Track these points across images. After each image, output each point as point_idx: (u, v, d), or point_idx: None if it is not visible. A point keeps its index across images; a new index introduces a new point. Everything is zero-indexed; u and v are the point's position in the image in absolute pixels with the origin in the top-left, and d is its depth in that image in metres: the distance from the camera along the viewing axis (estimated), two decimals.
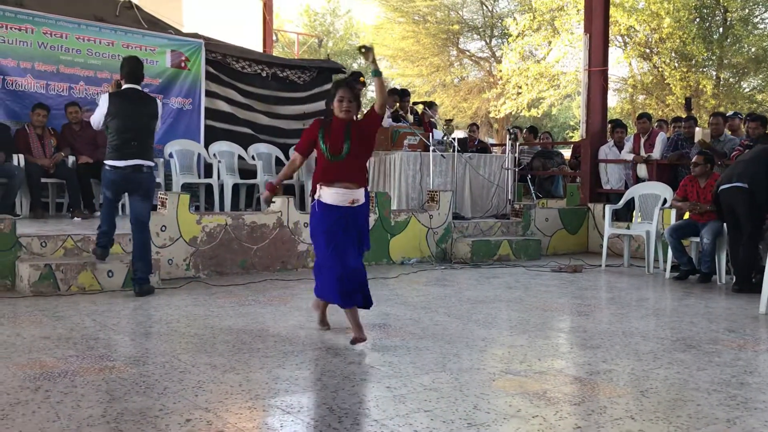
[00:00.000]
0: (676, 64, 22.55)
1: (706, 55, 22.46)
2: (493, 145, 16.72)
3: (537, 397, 3.69)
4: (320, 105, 11.33)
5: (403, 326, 5.33)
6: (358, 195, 4.76)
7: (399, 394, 3.71)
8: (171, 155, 9.61)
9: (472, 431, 3.18)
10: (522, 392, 3.76)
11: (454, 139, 10.17)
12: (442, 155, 9.84)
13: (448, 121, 11.02)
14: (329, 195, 4.70)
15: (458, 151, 10.02)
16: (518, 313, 5.99)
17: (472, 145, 11.81)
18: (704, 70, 23.17)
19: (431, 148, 9.72)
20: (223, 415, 3.32)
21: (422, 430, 3.16)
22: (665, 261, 8.18)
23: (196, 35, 10.61)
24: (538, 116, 26.72)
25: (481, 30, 29.30)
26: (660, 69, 22.65)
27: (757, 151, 7.21)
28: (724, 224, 7.38)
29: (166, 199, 7.21)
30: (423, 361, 4.36)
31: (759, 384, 4.03)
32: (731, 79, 24.28)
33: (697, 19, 22.47)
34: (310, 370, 4.10)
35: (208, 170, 10.03)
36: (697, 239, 7.82)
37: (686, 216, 8.06)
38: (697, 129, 9.59)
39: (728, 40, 22.91)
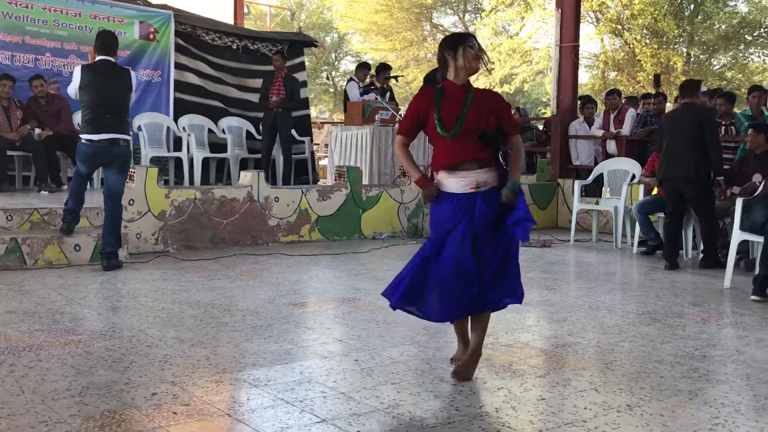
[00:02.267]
0: (647, 41, 22.67)
1: (676, 31, 22.59)
2: None
3: (503, 370, 3.73)
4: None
5: (373, 301, 5.34)
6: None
7: (367, 367, 3.72)
8: (139, 128, 9.50)
9: (438, 403, 3.21)
10: (488, 365, 3.79)
11: None
12: None
13: None
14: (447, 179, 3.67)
15: None
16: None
17: None
18: (675, 46, 23.31)
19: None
20: (190, 388, 3.32)
21: (388, 402, 3.19)
22: (633, 236, 8.26)
23: (165, 6, 10.45)
24: (511, 92, 26.75)
25: (454, 4, 29.22)
26: (631, 45, 22.76)
27: (686, 133, 7.08)
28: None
29: (134, 172, 7.13)
30: (391, 335, 4.38)
31: (721, 357, 4.10)
32: (701, 56, 24.46)
33: None
34: (278, 344, 4.10)
35: (177, 144, 9.93)
36: (663, 214, 7.90)
37: (654, 191, 8.13)
38: (667, 105, 9.66)
39: (699, 17, 23.05)
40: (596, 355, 4.08)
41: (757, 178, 7.01)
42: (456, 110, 3.61)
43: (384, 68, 11.19)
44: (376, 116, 10.10)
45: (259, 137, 10.40)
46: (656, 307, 5.33)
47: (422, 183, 3.71)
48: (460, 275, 3.51)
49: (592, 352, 4.13)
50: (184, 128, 9.95)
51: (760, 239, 5.89)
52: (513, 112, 13.81)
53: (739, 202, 6.23)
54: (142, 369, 3.59)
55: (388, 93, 10.99)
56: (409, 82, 27.06)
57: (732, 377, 3.72)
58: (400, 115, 9.83)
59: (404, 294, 3.61)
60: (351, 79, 11.18)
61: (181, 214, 7.39)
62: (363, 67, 11.47)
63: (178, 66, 10.29)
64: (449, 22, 30.79)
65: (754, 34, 22.85)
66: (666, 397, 3.37)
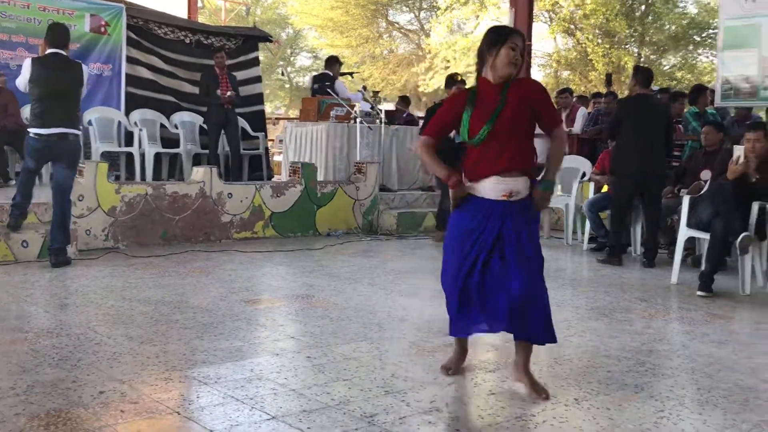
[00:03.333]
0: (599, 41, 22.99)
1: (628, 32, 22.96)
2: (421, 118, 16.76)
3: None
4: (247, 73, 11.15)
5: (326, 297, 5.34)
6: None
7: (318, 363, 3.72)
8: (90, 123, 9.34)
9: (389, 399, 3.22)
10: (439, 360, 3.82)
11: (380, 111, 10.17)
12: (369, 127, 9.83)
13: (376, 93, 11.01)
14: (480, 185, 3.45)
15: (385, 123, 10.03)
16: (440, 284, 6.05)
17: (400, 118, 11.81)
18: (626, 46, 23.68)
19: (358, 120, 9.70)
20: (138, 386, 3.28)
21: (339, 399, 3.19)
22: (583, 233, 8.38)
23: None
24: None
25: (410, 2, 29.27)
26: (583, 45, 23.06)
27: (652, 127, 7.19)
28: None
29: (84, 167, 7.01)
30: (344, 331, 4.38)
31: (667, 351, 4.19)
32: (652, 56, 24.89)
33: None
34: (229, 342, 4.07)
35: (129, 139, 9.78)
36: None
37: (604, 189, 8.25)
38: None
39: (650, 18, 23.45)
40: (545, 349, 4.10)
41: (705, 174, 7.15)
42: (487, 112, 3.34)
43: (335, 61, 11.18)
44: (332, 112, 10.08)
45: None
46: (605, 303, 5.41)
47: (453, 182, 3.42)
48: (496, 288, 3.37)
49: (542, 347, 4.17)
50: (135, 123, 9.81)
51: (706, 236, 6.02)
52: None
53: (686, 200, 6.37)
54: (90, 367, 3.53)
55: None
56: (364, 79, 27.05)
57: (677, 371, 3.80)
58: (356, 112, 9.83)
59: (462, 319, 3.48)
60: (335, 78, 11.09)
61: (132, 210, 7.28)
62: (336, 61, 11.44)
63: (130, 60, 10.14)
64: (405, 19, 30.90)
65: (703, 35, 23.31)
66: (613, 390, 3.43)
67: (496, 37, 3.37)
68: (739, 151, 6.00)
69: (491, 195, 3.38)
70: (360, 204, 9.01)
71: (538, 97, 3.43)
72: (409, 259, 7.29)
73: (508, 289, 3.31)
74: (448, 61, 24.06)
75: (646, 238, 7.36)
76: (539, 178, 3.47)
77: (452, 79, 8.16)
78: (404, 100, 13.32)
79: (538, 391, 3.30)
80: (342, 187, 8.91)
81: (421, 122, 10.04)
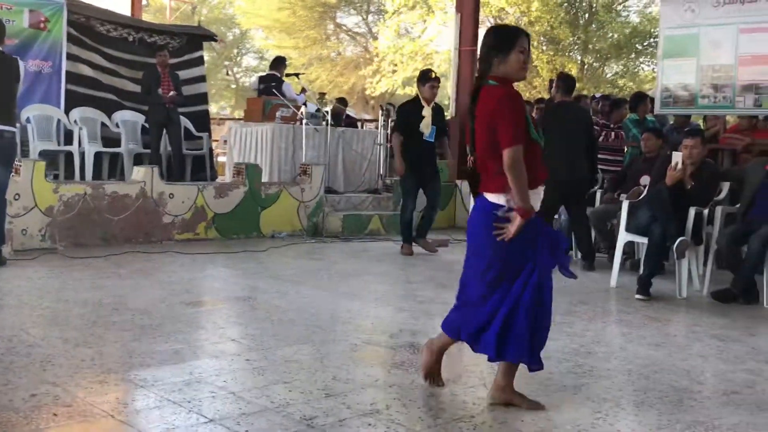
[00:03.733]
0: (544, 47, 23.31)
1: (572, 39, 23.34)
2: (368, 120, 16.78)
3: (395, 367, 3.75)
4: (191, 73, 11.01)
5: (269, 299, 5.29)
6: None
7: (258, 366, 3.68)
8: (28, 120, 9.10)
9: (329, 402, 3.20)
10: (381, 362, 3.82)
11: (327, 112, 10.15)
12: (315, 129, 9.79)
13: (322, 95, 10.99)
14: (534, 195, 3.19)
15: (332, 125, 10.00)
16: (385, 285, 6.07)
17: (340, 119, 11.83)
18: (570, 54, 24.07)
19: (304, 121, 9.66)
20: (72, 389, 3.20)
21: (279, 402, 3.16)
22: None
23: None
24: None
25: (357, 5, 29.29)
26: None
27: (574, 134, 7.25)
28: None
29: (21, 166, 6.83)
30: (286, 334, 4.34)
31: (605, 353, 4.25)
32: (595, 64, 25.34)
33: (565, 4, 23.27)
34: (168, 344, 4.00)
35: (68, 137, 9.56)
36: (556, 216, 8.13)
37: None
38: None
39: (593, 26, 23.87)
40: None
41: (644, 180, 7.29)
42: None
43: (280, 62, 11.14)
44: (277, 113, 10.03)
45: None
46: None
47: (530, 214, 3.11)
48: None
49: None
50: (75, 121, 9.59)
51: (645, 240, 6.14)
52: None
53: (625, 205, 6.48)
54: (22, 370, 3.44)
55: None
56: (311, 81, 26.97)
57: (614, 373, 3.86)
58: (302, 113, 9.77)
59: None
60: (282, 80, 11.01)
61: (70, 210, 7.12)
62: (282, 62, 11.37)
63: (71, 57, 9.91)
64: (352, 22, 30.89)
65: (644, 44, 23.79)
66: (552, 392, 3.47)
67: (508, 39, 3.18)
68: (677, 157, 6.13)
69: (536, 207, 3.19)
70: (305, 206, 8.96)
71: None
72: (354, 261, 7.28)
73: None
74: (396, 64, 24.13)
75: (579, 244, 7.46)
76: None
77: (427, 76, 7.74)
78: (342, 102, 13.31)
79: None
80: (287, 188, 8.85)
81: (377, 121, 10.01)
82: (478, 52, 3.37)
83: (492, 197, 3.20)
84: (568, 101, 7.51)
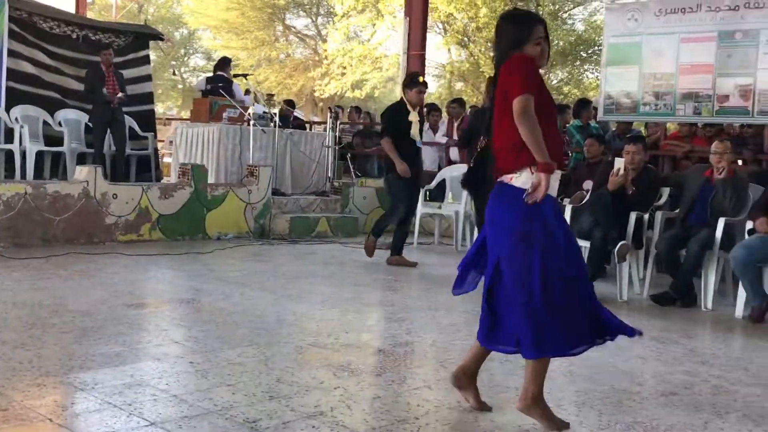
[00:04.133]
0: (491, 53, 23.56)
1: None
2: (316, 122, 16.75)
3: (341, 369, 3.75)
4: (136, 72, 10.83)
5: (213, 301, 5.24)
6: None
7: (202, 369, 3.64)
8: None
9: (273, 404, 3.18)
10: (327, 365, 3.81)
11: (275, 114, 10.10)
12: (262, 130, 9.74)
13: (270, 96, 10.93)
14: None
15: (279, 126, 9.96)
16: (331, 288, 6.06)
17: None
18: None
19: (252, 122, 9.60)
20: (8, 392, 3.12)
21: (222, 404, 3.13)
22: (472, 239, 8.55)
23: None
24: (362, 97, 27.05)
25: (307, 7, 29.21)
26: (476, 57, 23.58)
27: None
28: None
29: None
30: (230, 336, 4.30)
31: None
32: (541, 70, 25.66)
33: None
34: (109, 346, 3.93)
35: (8, 136, 9.33)
36: None
37: None
38: None
39: None
40: (432, 353, 4.18)
41: (587, 185, 7.42)
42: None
43: (226, 63, 11.07)
44: (224, 114, 9.95)
45: None
46: None
47: (551, 169, 2.92)
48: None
49: (429, 351, 4.23)
50: (16, 119, 9.36)
51: (587, 244, 6.25)
52: (364, 114, 13.97)
53: (568, 209, 6.58)
54: None
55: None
56: (260, 82, 26.82)
57: (556, 374, 3.90)
58: (249, 115, 9.71)
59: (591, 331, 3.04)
60: (231, 81, 10.91)
61: (9, 210, 6.95)
62: (227, 63, 11.28)
63: (12, 53, 9.67)
64: (302, 24, 30.80)
65: (589, 52, 24.24)
66: (496, 393, 3.50)
67: (518, 36, 3.11)
68: (619, 163, 6.25)
69: (555, 190, 3.06)
70: (252, 207, 8.90)
71: None
72: (301, 263, 7.25)
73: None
74: (345, 67, 24.12)
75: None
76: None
77: (415, 80, 7.36)
78: (289, 104, 13.27)
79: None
80: (233, 189, 8.78)
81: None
82: (495, 40, 3.27)
83: (515, 181, 3.00)
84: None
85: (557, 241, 2.95)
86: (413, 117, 7.18)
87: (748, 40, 7.69)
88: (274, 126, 9.85)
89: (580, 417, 3.25)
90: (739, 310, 5.60)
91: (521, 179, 2.99)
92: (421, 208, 9.12)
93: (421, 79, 7.42)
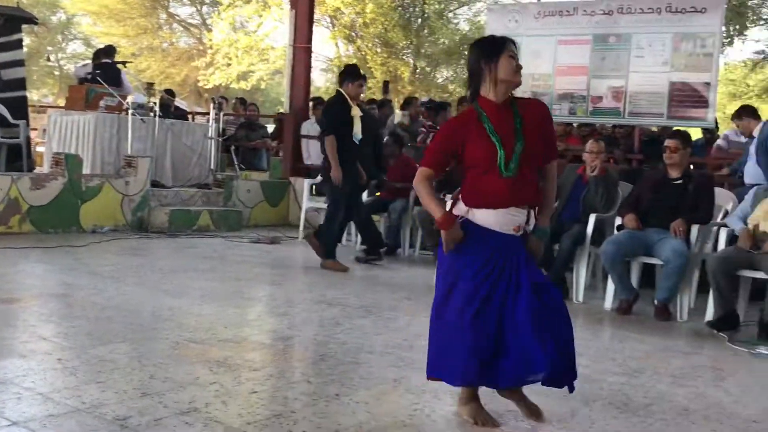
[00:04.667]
0: (378, 50, 23.72)
1: (405, 43, 23.90)
2: (199, 113, 16.39)
3: (217, 365, 3.68)
4: (7, 56, 10.26)
5: (86, 296, 5.05)
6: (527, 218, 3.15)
7: (71, 366, 3.50)
8: None
9: (146, 400, 3.09)
10: (203, 360, 3.73)
11: (155, 103, 9.82)
12: (142, 120, 9.45)
13: (150, 85, 10.62)
14: (490, 216, 3.05)
15: (160, 116, 9.69)
16: (211, 282, 5.94)
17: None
18: (403, 57, 24.63)
19: (130, 111, 9.30)
20: None
21: (91, 402, 3.01)
22: (356, 234, 8.58)
23: None
24: (248, 89, 26.68)
25: None
26: (363, 52, 23.68)
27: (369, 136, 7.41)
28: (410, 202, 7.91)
29: None
30: (102, 332, 4.15)
31: (425, 346, 4.36)
32: (427, 68, 26.08)
33: (399, 8, 23.77)
34: None
35: None
36: (386, 215, 8.30)
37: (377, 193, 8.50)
38: (397, 111, 10.18)
39: (425, 31, 24.56)
40: (312, 347, 4.17)
41: None
42: (509, 136, 3.00)
43: (105, 52, 10.70)
44: (101, 102, 9.60)
45: None
46: (373, 301, 5.57)
47: (447, 224, 3.03)
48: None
49: (308, 345, 4.22)
50: None
51: None
52: (249, 106, 13.73)
53: (448, 205, 6.70)
54: None
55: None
56: (141, 71, 26.04)
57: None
58: (128, 103, 9.40)
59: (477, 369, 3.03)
60: (119, 70, 10.50)
61: None
62: (114, 51, 10.89)
63: None
64: (186, 12, 30.04)
65: None
66: (373, 385, 3.53)
67: (494, 48, 3.05)
68: None
69: (497, 227, 3.04)
70: (129, 200, 8.63)
71: (548, 126, 3.18)
72: (180, 257, 7.09)
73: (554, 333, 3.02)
74: (230, 58, 23.70)
75: (363, 238, 7.69)
76: (532, 226, 3.19)
77: (356, 73, 7.00)
78: (169, 93, 12.96)
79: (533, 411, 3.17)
80: (110, 181, 8.49)
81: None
82: (467, 68, 3.17)
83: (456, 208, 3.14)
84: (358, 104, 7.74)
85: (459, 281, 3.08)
86: (356, 112, 6.86)
87: (621, 43, 8.05)
88: (154, 116, 9.58)
89: (455, 406, 3.31)
90: (608, 302, 5.84)
91: (457, 208, 3.13)
92: (306, 203, 9.09)
93: (361, 72, 7.20)
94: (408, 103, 10.94)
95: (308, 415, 3.06)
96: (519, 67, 3.05)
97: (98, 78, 9.85)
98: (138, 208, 8.72)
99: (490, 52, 3.03)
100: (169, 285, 5.66)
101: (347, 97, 6.83)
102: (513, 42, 3.12)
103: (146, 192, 8.81)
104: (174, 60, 28.07)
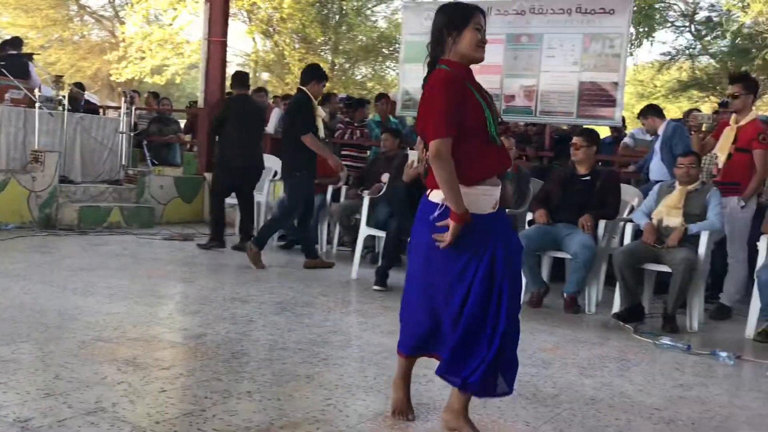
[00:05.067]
0: (296, 45, 23.57)
1: (323, 39, 23.81)
2: (110, 107, 15.97)
3: (126, 364, 3.60)
4: None
5: None
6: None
7: None
8: None
9: (49, 401, 3.00)
10: (111, 359, 3.64)
11: (63, 97, 9.52)
12: (50, 113, 9.14)
13: (58, 78, 10.28)
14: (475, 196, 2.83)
15: (69, 110, 9.40)
16: (121, 280, 5.80)
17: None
18: (321, 53, 24.54)
19: (38, 104, 8.98)
20: None
21: None
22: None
23: None
24: (163, 84, 26.14)
25: None
26: (281, 48, 23.50)
27: (252, 125, 7.90)
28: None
29: None
30: (5, 332, 4.01)
31: (340, 342, 4.38)
32: (345, 65, 26.05)
33: (317, 4, 23.66)
34: None
35: None
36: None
37: None
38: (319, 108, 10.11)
39: (343, 28, 24.52)
40: (224, 345, 4.11)
41: (385, 177, 7.62)
42: (488, 105, 2.85)
43: (19, 43, 10.32)
44: (6, 95, 9.24)
45: None
46: (288, 297, 5.54)
47: (466, 218, 2.74)
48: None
49: (220, 343, 4.16)
50: None
51: (383, 234, 6.42)
52: (162, 100, 13.46)
53: (366, 201, 6.73)
54: None
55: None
56: (51, 63, 25.16)
57: (348, 360, 3.99)
58: (36, 97, 9.07)
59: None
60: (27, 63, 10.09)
61: None
62: (21, 43, 10.46)
63: None
64: (97, 4, 29.24)
65: (390, 49, 24.83)
66: (285, 382, 3.51)
67: (462, 17, 2.84)
68: (414, 155, 6.46)
69: (484, 209, 2.82)
70: (36, 196, 8.34)
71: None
72: (90, 255, 6.89)
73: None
74: (144, 51, 23.15)
75: (241, 225, 8.00)
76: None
77: (323, 74, 7.08)
78: (79, 86, 12.58)
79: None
80: (15, 176, 8.19)
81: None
82: (430, 33, 2.93)
83: (432, 195, 2.87)
84: (244, 94, 8.05)
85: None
86: (320, 112, 7.01)
87: (533, 43, 8.20)
88: (63, 109, 9.28)
89: (368, 401, 3.34)
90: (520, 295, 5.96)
91: (435, 195, 2.87)
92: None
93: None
94: (326, 99, 10.90)
95: (218, 413, 3.03)
96: (483, 42, 2.86)
97: (3, 70, 9.48)
98: (45, 205, 8.43)
99: (456, 21, 2.85)
100: (77, 283, 5.50)
101: (312, 96, 6.90)
102: (482, 12, 2.90)
103: (54, 188, 8.53)
104: (85, 53, 27.25)
